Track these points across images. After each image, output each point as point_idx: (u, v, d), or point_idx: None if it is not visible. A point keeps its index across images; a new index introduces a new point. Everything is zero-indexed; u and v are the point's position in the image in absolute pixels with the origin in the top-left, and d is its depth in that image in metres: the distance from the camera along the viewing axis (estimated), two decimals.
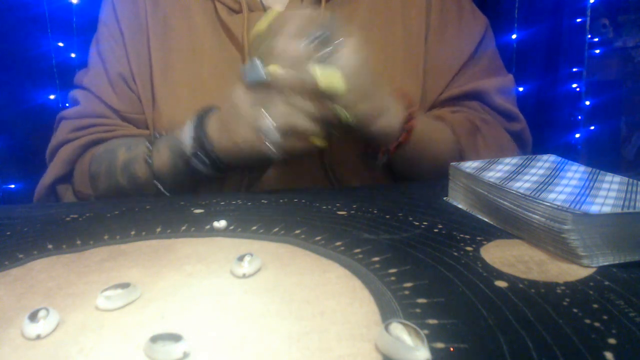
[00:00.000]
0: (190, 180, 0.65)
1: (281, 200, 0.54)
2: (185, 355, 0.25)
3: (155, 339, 0.26)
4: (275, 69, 0.54)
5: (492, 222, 0.44)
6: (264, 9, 0.71)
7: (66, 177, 0.74)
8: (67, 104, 0.81)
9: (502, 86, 0.75)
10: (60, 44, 1.27)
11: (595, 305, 0.29)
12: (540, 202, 0.38)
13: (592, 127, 1.84)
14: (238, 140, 0.57)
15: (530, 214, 0.39)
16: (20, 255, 0.40)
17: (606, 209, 0.37)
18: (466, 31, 0.75)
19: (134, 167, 0.66)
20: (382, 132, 0.62)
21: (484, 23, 0.77)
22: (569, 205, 0.37)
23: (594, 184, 0.43)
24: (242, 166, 0.65)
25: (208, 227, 0.45)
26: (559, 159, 0.52)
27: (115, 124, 0.75)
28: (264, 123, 0.54)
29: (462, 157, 0.69)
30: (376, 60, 0.71)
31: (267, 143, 0.54)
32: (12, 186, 1.31)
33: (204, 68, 0.71)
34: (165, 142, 0.65)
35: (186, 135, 0.61)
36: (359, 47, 0.56)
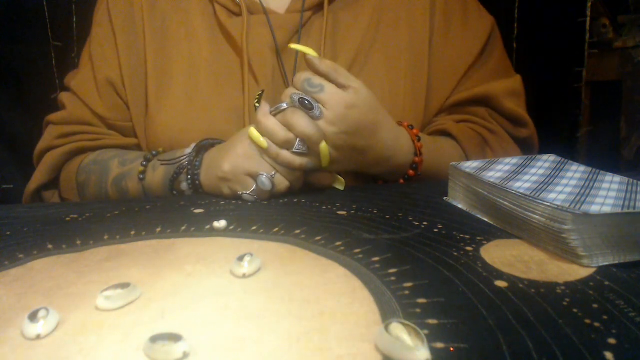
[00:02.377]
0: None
1: (281, 201, 0.54)
2: (185, 355, 0.25)
3: (155, 339, 0.26)
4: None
5: (492, 222, 0.44)
6: (265, 11, 0.71)
7: (51, 183, 0.75)
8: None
9: (510, 89, 0.74)
10: (60, 44, 1.27)
11: (595, 305, 0.29)
12: (540, 202, 0.38)
13: (592, 127, 1.84)
14: (221, 188, 0.57)
15: (530, 214, 0.39)
16: (20, 255, 0.40)
17: (606, 209, 0.37)
18: (472, 32, 0.75)
19: (126, 183, 0.66)
20: (388, 172, 0.63)
21: (490, 23, 0.76)
22: (569, 205, 0.37)
23: (594, 184, 0.43)
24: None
25: (208, 227, 0.45)
26: (559, 159, 0.51)
27: (101, 132, 0.74)
28: (259, 178, 0.54)
29: None
30: (381, 65, 0.71)
31: (247, 194, 0.55)
32: (12, 186, 1.31)
33: (201, 73, 0.70)
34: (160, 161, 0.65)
35: (183, 159, 0.61)
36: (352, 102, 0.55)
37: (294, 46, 0.59)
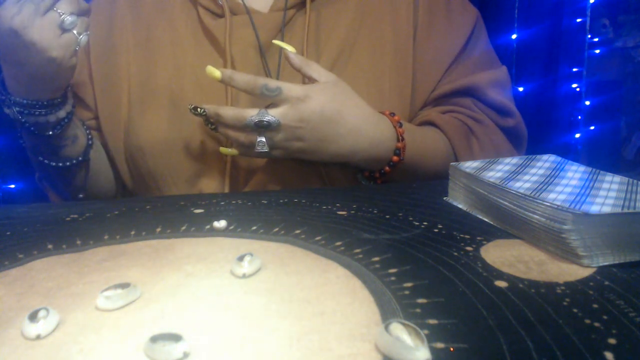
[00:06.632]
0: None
1: (281, 200, 0.54)
2: (185, 355, 0.25)
3: (155, 339, 0.26)
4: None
5: (492, 222, 0.44)
6: (247, 11, 0.71)
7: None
8: None
9: (495, 80, 0.74)
10: None
11: (595, 305, 0.29)
12: (540, 202, 0.38)
13: (592, 127, 1.84)
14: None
15: (530, 214, 0.39)
16: (20, 255, 0.40)
17: (606, 209, 0.37)
18: (455, 25, 0.75)
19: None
20: (370, 160, 0.64)
21: (474, 16, 0.76)
22: (569, 205, 0.37)
23: (594, 184, 0.43)
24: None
25: (208, 227, 0.45)
26: (559, 159, 0.51)
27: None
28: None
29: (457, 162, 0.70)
30: (365, 60, 0.71)
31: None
32: (12, 186, 1.32)
33: (186, 77, 0.70)
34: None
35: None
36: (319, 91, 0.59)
37: (276, 42, 0.63)
